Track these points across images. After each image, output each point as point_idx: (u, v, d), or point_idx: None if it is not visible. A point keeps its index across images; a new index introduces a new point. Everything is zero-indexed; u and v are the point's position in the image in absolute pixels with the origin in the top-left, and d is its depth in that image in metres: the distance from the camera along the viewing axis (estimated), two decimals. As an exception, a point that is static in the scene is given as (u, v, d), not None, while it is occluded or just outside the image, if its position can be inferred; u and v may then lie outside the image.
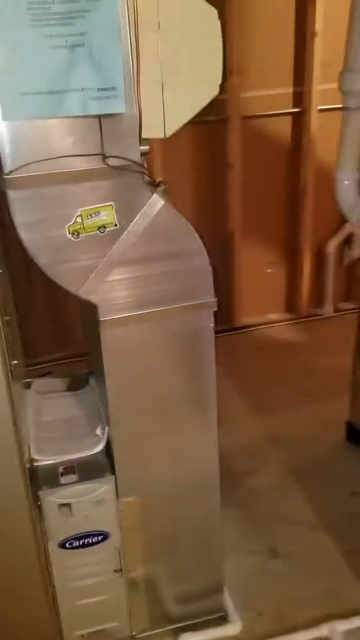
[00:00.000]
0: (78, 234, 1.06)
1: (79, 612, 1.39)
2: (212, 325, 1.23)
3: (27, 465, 1.20)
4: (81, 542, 1.30)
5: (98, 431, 1.37)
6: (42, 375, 1.74)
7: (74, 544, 1.30)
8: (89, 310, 1.22)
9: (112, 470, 1.30)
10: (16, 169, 0.98)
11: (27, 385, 1.59)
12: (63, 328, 2.69)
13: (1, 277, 1.09)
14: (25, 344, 1.73)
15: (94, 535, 1.30)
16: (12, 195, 1.00)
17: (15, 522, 1.16)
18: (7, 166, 0.98)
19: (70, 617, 1.38)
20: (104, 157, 1.01)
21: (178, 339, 1.23)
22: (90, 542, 1.30)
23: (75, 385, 1.67)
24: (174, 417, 1.30)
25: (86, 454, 1.34)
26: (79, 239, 1.07)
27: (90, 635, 1.44)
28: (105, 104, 0.95)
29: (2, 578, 1.20)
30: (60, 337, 2.71)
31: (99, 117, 0.98)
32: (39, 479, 1.27)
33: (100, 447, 1.35)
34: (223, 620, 1.53)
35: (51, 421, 1.47)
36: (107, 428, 1.36)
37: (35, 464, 1.29)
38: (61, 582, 1.33)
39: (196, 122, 1.06)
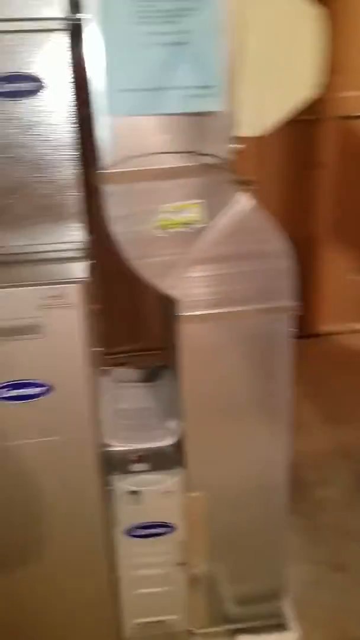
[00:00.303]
0: (165, 229, 1.08)
1: (139, 600, 1.41)
2: (292, 330, 1.21)
3: (102, 450, 1.24)
4: (147, 532, 1.33)
5: (170, 424, 1.39)
6: (119, 365, 1.79)
7: (139, 533, 1.33)
8: (169, 305, 1.24)
9: (182, 464, 1.32)
10: (111, 164, 1.02)
11: (105, 373, 1.64)
12: (138, 321, 2.75)
13: (90, 267, 1.13)
14: (103, 333, 1.78)
15: (160, 526, 1.33)
16: (107, 189, 1.04)
17: (85, 504, 1.21)
18: (105, 162, 1.02)
19: (130, 605, 1.42)
20: (196, 154, 1.02)
21: (256, 340, 1.23)
22: (155, 532, 1.33)
23: (150, 377, 1.70)
24: (246, 419, 1.29)
25: (157, 446, 1.36)
26: (164, 235, 1.09)
27: (148, 625, 1.47)
28: (203, 102, 0.96)
29: (68, 559, 1.25)
30: (135, 329, 2.77)
31: (195, 114, 1.00)
32: (110, 465, 1.30)
33: (171, 440, 1.37)
34: (281, 627, 1.51)
35: (125, 409, 1.50)
36: (179, 422, 1.38)
37: (108, 449, 1.33)
38: (124, 569, 1.37)
39: (289, 121, 1.06)
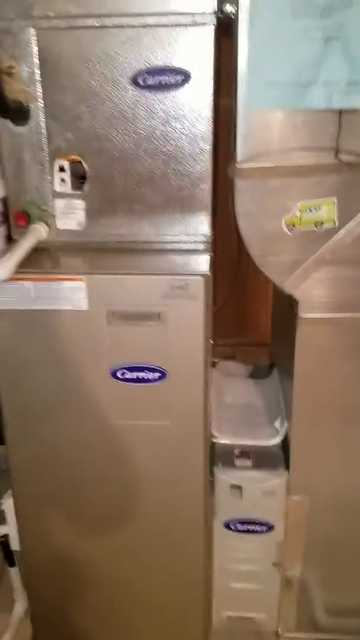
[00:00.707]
0: (293, 227, 1.06)
1: (231, 594, 1.43)
2: None
3: (209, 440, 1.26)
4: (246, 528, 1.33)
5: (277, 424, 1.38)
6: (227, 358, 1.80)
7: (238, 527, 1.33)
8: (287, 305, 1.23)
9: (286, 466, 1.30)
10: (247, 159, 1.01)
11: (213, 365, 1.65)
12: (245, 315, 2.73)
13: (211, 260, 1.14)
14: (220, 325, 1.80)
15: (259, 524, 1.32)
16: (239, 184, 1.04)
17: (189, 490, 1.23)
18: (240, 155, 1.02)
19: (222, 597, 1.43)
20: (337, 151, 0.99)
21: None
22: (254, 529, 1.33)
23: (257, 373, 1.70)
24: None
25: (262, 444, 1.36)
26: (293, 233, 1.07)
27: (237, 620, 1.47)
28: (351, 98, 0.93)
29: (167, 544, 1.28)
30: (241, 323, 2.75)
31: (340, 111, 0.97)
32: (215, 456, 1.32)
33: (277, 440, 1.36)
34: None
35: (231, 404, 1.51)
36: (286, 423, 1.36)
37: (214, 440, 1.35)
38: (219, 561, 1.38)
39: None
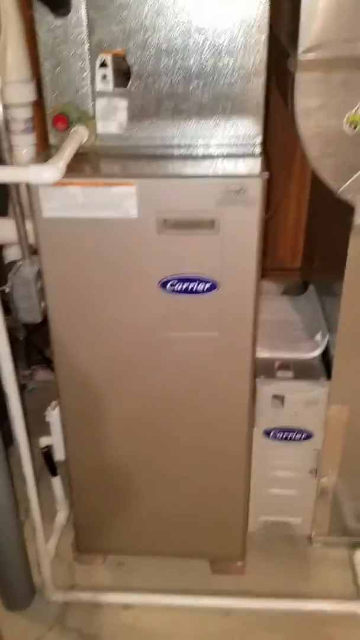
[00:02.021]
0: (356, 126, 1.01)
1: (268, 500, 1.47)
2: None
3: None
4: (285, 436, 1.36)
5: (317, 337, 1.38)
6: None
7: (277, 436, 1.36)
8: (336, 215, 1.19)
9: (327, 377, 1.31)
10: (311, 49, 0.94)
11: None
12: (271, 239, 2.68)
13: (263, 163, 1.08)
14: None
15: (298, 432, 1.35)
16: (300, 77, 0.97)
17: (234, 401, 1.24)
18: (302, 44, 0.95)
19: (259, 503, 1.48)
20: None
21: None
22: (294, 437, 1.35)
23: (289, 292, 1.68)
24: None
25: (303, 357, 1.37)
26: (354, 132, 1.01)
27: (273, 524, 1.53)
28: None
29: (210, 450, 1.31)
30: (266, 247, 2.70)
31: None
32: (256, 369, 1.32)
33: (317, 352, 1.36)
34: None
35: (268, 320, 1.50)
36: (327, 336, 1.36)
37: (258, 354, 1.34)
38: (258, 468, 1.42)
39: None
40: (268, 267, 2.66)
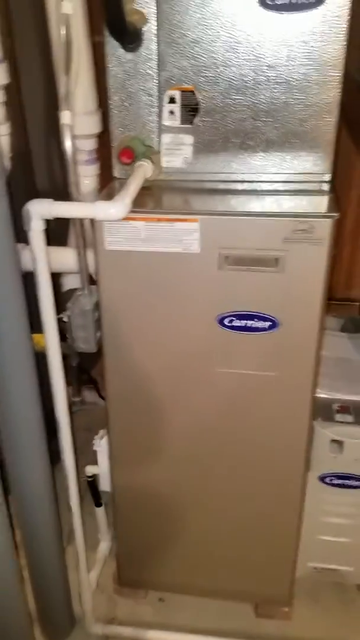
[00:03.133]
0: None
1: (318, 545, 1.41)
2: None
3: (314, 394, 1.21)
4: (342, 482, 1.30)
5: (379, 379, 1.32)
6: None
7: (334, 482, 1.30)
8: None
9: (389, 422, 1.25)
10: (390, 87, 0.91)
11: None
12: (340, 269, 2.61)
13: (332, 201, 1.05)
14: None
15: (356, 479, 1.28)
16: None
17: (290, 442, 1.19)
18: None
19: (309, 548, 1.41)
20: None
21: None
22: (351, 484, 1.29)
23: (350, 327, 1.62)
24: None
25: (363, 399, 1.31)
26: None
27: (321, 571, 1.47)
28: None
29: (264, 493, 1.26)
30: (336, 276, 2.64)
31: None
32: (314, 410, 1.27)
33: (380, 395, 1.30)
34: None
35: (327, 357, 1.44)
36: (389, 378, 1.30)
37: (317, 395, 1.30)
38: (310, 513, 1.36)
39: None
40: (336, 296, 2.59)
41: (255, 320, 1.07)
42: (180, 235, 1.02)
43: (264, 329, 1.08)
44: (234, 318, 1.08)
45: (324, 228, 0.97)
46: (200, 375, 1.15)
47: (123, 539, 1.42)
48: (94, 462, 1.33)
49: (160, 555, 1.42)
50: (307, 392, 1.13)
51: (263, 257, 1.01)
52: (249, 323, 1.08)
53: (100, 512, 1.48)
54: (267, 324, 1.07)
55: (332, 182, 1.07)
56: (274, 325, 1.07)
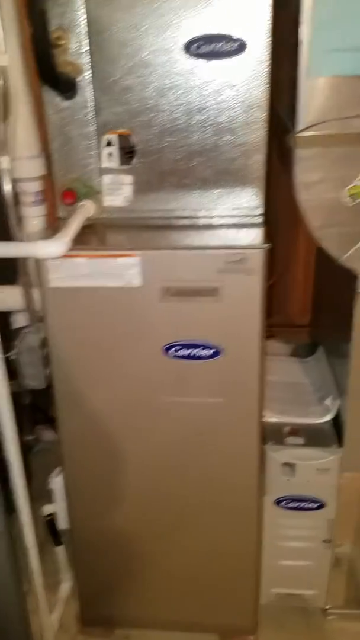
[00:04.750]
0: (356, 198, 1.03)
1: (280, 571, 1.42)
2: None
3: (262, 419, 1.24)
4: (297, 505, 1.32)
5: (328, 402, 1.36)
6: (267, 337, 1.77)
7: (289, 505, 1.32)
8: (342, 281, 1.19)
9: (339, 443, 1.28)
10: (308, 127, 0.98)
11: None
12: (276, 296, 2.69)
13: (264, 233, 1.11)
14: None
15: (311, 501, 1.31)
16: (300, 153, 1.00)
17: (242, 469, 1.22)
18: (300, 123, 0.98)
19: (271, 574, 1.42)
20: None
21: None
22: (306, 507, 1.32)
23: (299, 352, 1.67)
24: None
25: (313, 422, 1.34)
26: (355, 204, 1.03)
27: (285, 596, 1.47)
28: None
29: (219, 522, 1.28)
30: (274, 304, 2.72)
31: None
32: (265, 435, 1.30)
33: (328, 417, 1.34)
34: None
35: (277, 382, 1.49)
36: (337, 401, 1.34)
37: (266, 419, 1.33)
38: (269, 538, 1.37)
39: None
40: (276, 323, 2.67)
41: (199, 348, 1.11)
42: (121, 270, 1.06)
43: (208, 357, 1.11)
44: (179, 347, 1.11)
45: (256, 259, 1.02)
46: (151, 406, 1.17)
47: (83, 577, 1.41)
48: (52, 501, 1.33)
49: (123, 592, 1.41)
50: (255, 416, 1.16)
51: (202, 287, 1.05)
52: (194, 351, 1.11)
53: (60, 551, 1.46)
54: (211, 351, 1.11)
55: (265, 215, 1.13)
56: (217, 352, 1.11)
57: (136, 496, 1.28)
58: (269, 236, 1.07)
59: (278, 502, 1.32)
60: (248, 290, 1.05)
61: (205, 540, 1.31)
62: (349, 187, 1.02)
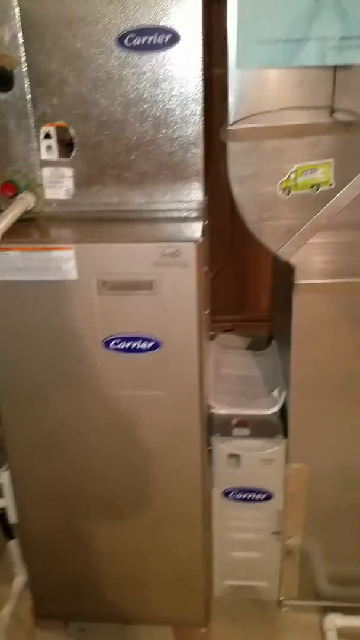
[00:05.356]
0: (289, 191, 1.03)
1: (232, 563, 1.43)
2: None
3: (204, 410, 1.25)
4: (244, 496, 1.33)
5: (275, 393, 1.37)
6: (226, 331, 1.78)
7: (237, 496, 1.33)
8: (284, 273, 1.20)
9: (285, 434, 1.29)
10: (240, 120, 0.98)
11: (211, 338, 1.64)
12: (245, 291, 2.71)
13: (206, 227, 1.11)
14: (220, 299, 1.78)
15: (258, 492, 1.32)
16: (232, 146, 1.01)
17: (186, 461, 1.22)
18: (231, 116, 0.98)
19: (223, 566, 1.44)
20: (332, 110, 0.96)
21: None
22: (253, 498, 1.33)
23: (255, 346, 1.68)
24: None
25: (260, 413, 1.35)
26: (289, 197, 1.04)
27: (238, 588, 1.48)
28: (345, 54, 0.89)
29: (166, 513, 1.28)
30: (242, 299, 2.73)
31: (335, 67, 0.93)
32: (212, 426, 1.31)
33: (275, 409, 1.35)
34: (375, 612, 1.47)
35: (229, 375, 1.50)
36: (284, 392, 1.35)
37: (211, 411, 1.34)
38: (219, 530, 1.38)
39: None
40: (249, 318, 2.68)
41: (139, 341, 1.11)
42: (57, 263, 1.05)
43: (148, 350, 1.11)
44: (118, 340, 1.11)
45: (190, 252, 1.02)
46: (93, 400, 1.17)
47: (35, 571, 1.41)
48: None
49: (76, 586, 1.42)
50: (195, 409, 1.17)
51: (138, 281, 1.06)
52: (133, 344, 1.11)
53: (13, 545, 1.46)
54: (150, 344, 1.11)
55: (204, 209, 1.13)
56: (156, 346, 1.11)
57: (80, 490, 1.28)
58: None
59: (226, 493, 1.33)
60: (184, 284, 1.05)
61: (154, 532, 1.32)
62: (282, 181, 1.02)
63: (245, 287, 2.69)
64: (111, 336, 1.11)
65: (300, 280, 1.12)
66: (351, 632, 1.42)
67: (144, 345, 1.11)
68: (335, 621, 1.42)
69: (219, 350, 1.61)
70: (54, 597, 1.44)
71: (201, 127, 1.07)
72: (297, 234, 1.08)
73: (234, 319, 2.70)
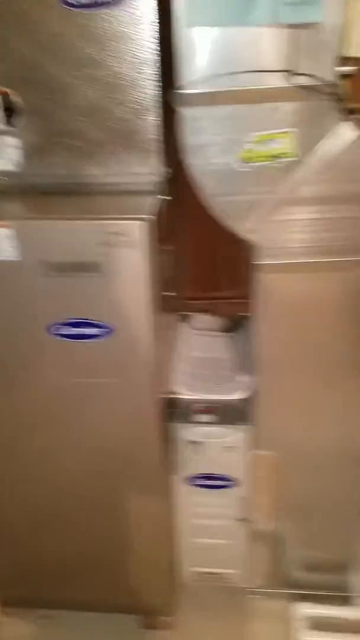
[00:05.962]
0: (248, 162, 0.95)
1: (197, 549, 1.39)
2: None
3: (167, 396, 1.19)
4: (207, 483, 1.28)
5: (243, 378, 1.30)
6: (201, 312, 1.71)
7: (199, 483, 1.28)
8: (245, 250, 1.13)
9: (251, 420, 1.23)
10: (191, 83, 0.89)
11: (183, 319, 1.57)
12: (225, 267, 2.62)
13: (163, 203, 1.03)
14: (194, 278, 1.71)
15: (221, 479, 1.27)
16: (184, 113, 0.92)
17: (144, 448, 1.17)
18: (182, 79, 0.90)
19: (187, 553, 1.40)
20: (291, 74, 0.87)
21: (350, 297, 1.08)
22: (216, 485, 1.28)
23: (231, 327, 1.61)
24: (331, 383, 1.17)
25: (226, 399, 1.29)
26: (247, 169, 0.96)
27: (205, 575, 1.45)
28: (300, 11, 0.80)
29: (129, 501, 1.24)
30: (221, 276, 2.64)
31: (292, 27, 0.84)
32: (174, 412, 1.25)
33: (242, 394, 1.28)
34: (345, 600, 1.43)
35: (199, 358, 1.43)
36: (253, 376, 1.29)
37: (175, 396, 1.28)
38: (183, 517, 1.34)
39: None
40: (223, 296, 2.59)
41: (88, 327, 1.04)
42: (-4, 242, 0.98)
43: (99, 336, 1.05)
44: (64, 326, 1.04)
45: (138, 231, 0.94)
46: (41, 388, 1.11)
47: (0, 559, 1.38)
48: None
49: (41, 574, 1.38)
50: (151, 394, 1.11)
51: (84, 262, 0.98)
52: (83, 330, 1.04)
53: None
54: (101, 330, 1.04)
55: (164, 182, 1.05)
56: (107, 331, 1.04)
57: (39, 480, 1.23)
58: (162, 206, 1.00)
59: (189, 480, 1.28)
60: (134, 265, 0.97)
61: (117, 519, 1.27)
62: (241, 150, 0.94)
63: (225, 262, 2.61)
64: (58, 321, 1.04)
65: (262, 260, 1.05)
66: (320, 621, 1.38)
67: (93, 331, 1.04)
68: (304, 610, 1.38)
69: (190, 332, 1.54)
70: (20, 585, 1.41)
71: (155, 92, 0.98)
72: (258, 209, 1.00)
73: (214, 296, 2.62)
